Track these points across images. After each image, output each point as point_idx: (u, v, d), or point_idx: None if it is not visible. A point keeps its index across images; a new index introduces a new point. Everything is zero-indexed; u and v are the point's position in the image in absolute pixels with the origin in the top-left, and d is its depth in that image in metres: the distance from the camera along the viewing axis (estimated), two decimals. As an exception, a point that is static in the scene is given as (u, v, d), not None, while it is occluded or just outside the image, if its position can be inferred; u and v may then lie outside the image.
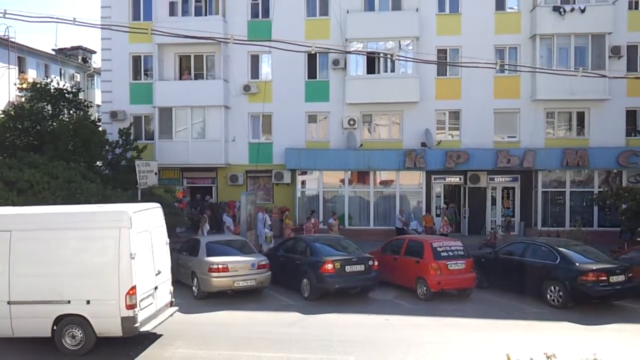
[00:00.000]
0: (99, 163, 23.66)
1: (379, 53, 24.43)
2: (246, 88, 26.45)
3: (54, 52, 38.46)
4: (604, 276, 13.66)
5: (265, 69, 26.92)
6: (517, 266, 15.33)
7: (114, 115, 26.84)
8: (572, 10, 24.58)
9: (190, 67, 27.28)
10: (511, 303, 14.64)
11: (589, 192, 25.42)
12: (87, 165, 21.48)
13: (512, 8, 26.08)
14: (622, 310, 13.97)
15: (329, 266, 14.51)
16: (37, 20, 10.16)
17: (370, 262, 15.10)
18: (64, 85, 26.96)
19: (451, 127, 26.41)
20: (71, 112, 25.29)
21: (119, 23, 19.18)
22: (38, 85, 24.75)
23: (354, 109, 26.08)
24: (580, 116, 25.96)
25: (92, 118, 26.52)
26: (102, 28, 22.23)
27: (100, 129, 25.02)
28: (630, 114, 25.76)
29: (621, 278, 13.92)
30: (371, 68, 25.87)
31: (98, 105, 33.89)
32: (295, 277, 15.40)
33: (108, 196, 18.22)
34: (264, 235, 21.23)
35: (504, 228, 23.94)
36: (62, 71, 38.00)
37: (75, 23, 10.58)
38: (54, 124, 23.77)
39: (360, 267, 14.91)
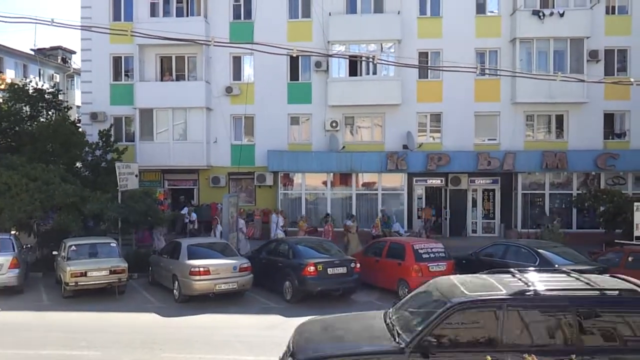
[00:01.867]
0: (78, 165, 23.39)
1: (360, 56, 24.51)
2: (228, 90, 26.36)
3: (32, 52, 37.94)
4: (582, 278, 13.82)
5: (247, 71, 26.87)
6: (498, 268, 15.40)
7: (94, 116, 26.57)
8: (552, 14, 24.91)
9: (172, 68, 27.11)
10: (492, 304, 14.73)
11: (568, 194, 25.76)
12: (67, 167, 21.22)
13: (492, 12, 26.36)
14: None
15: (311, 269, 14.51)
16: (14, 21, 10.00)
17: (353, 265, 15.13)
18: (43, 85, 26.64)
19: (432, 129, 26.59)
20: (50, 113, 24.97)
21: (98, 24, 19.00)
22: (16, 86, 24.38)
23: (337, 111, 26.14)
24: (559, 119, 26.32)
25: (72, 119, 26.23)
26: (81, 29, 21.94)
27: (80, 130, 24.73)
28: (608, 117, 26.18)
29: (599, 279, 14.09)
30: (353, 70, 25.96)
31: (78, 106, 33.52)
32: (278, 279, 15.38)
33: (86, 198, 18.03)
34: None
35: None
36: (41, 71, 37.53)
37: (54, 24, 10.44)
38: (33, 125, 23.45)
39: (342, 270, 14.94)
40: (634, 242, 16.83)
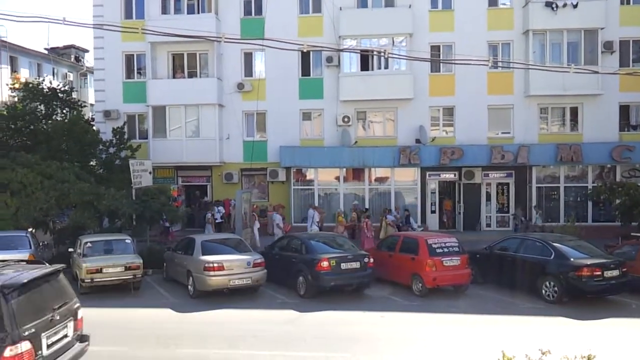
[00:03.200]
0: (92, 163, 23.58)
1: (372, 51, 24.41)
2: (240, 86, 26.40)
3: (46, 52, 38.26)
4: (598, 271, 13.71)
5: (258, 67, 26.89)
6: (512, 262, 15.36)
7: (107, 114, 26.75)
8: (565, 5, 24.64)
9: (184, 66, 27.20)
10: (506, 298, 14.69)
11: (583, 188, 25.52)
12: (81, 165, 21.42)
13: (504, 4, 26.12)
14: (616, 305, 14.03)
15: (325, 264, 14.51)
16: (27, 20, 10.09)
17: (366, 259, 15.11)
18: (57, 84, 26.85)
19: (445, 123, 26.45)
20: (64, 111, 25.20)
21: (110, 22, 19.09)
22: (31, 85, 24.64)
23: (348, 106, 26.08)
24: (574, 111, 26.05)
25: (86, 117, 26.43)
26: (92, 27, 22.13)
27: (93, 128, 24.94)
28: (624, 109, 25.87)
29: (615, 273, 13.98)
30: (365, 65, 25.86)
31: (91, 105, 33.76)
32: (291, 275, 15.39)
33: (101, 195, 18.18)
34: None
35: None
36: (55, 70, 37.83)
37: (65, 23, 10.52)
38: (48, 123, 23.67)
39: (355, 265, 14.92)
40: (650, 235, 16.64)
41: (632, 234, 17.76)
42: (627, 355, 9.97)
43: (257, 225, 21.10)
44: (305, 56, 26.13)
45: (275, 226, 21.60)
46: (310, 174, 26.48)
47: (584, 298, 13.92)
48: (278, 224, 21.58)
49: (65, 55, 40.36)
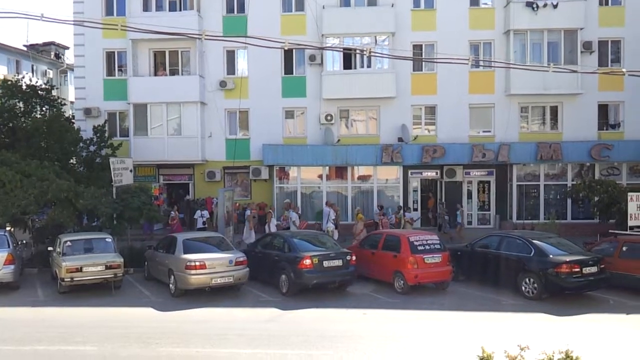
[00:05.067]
0: (73, 161, 23.31)
1: (354, 49, 24.46)
2: (222, 84, 26.28)
3: (25, 48, 37.71)
4: (577, 268, 13.92)
5: (241, 65, 26.77)
6: (493, 259, 15.52)
7: (87, 111, 26.45)
8: (545, 5, 24.90)
9: (165, 63, 26.98)
10: (487, 295, 14.84)
11: (563, 185, 25.83)
12: (61, 163, 21.14)
13: (486, 4, 26.32)
14: (594, 301, 14.25)
15: (307, 262, 14.53)
16: (4, 17, 9.94)
17: (348, 257, 15.16)
18: (37, 81, 26.48)
19: (427, 122, 26.60)
20: (44, 109, 24.85)
21: (91, 19, 18.94)
22: (9, 82, 24.21)
23: (331, 105, 26.11)
24: (554, 110, 26.36)
25: (66, 115, 26.10)
26: (72, 24, 21.83)
27: (74, 126, 24.63)
28: (602, 108, 26.24)
29: (594, 269, 14.20)
30: (348, 63, 25.90)
31: (72, 102, 33.35)
32: (274, 273, 15.40)
33: (80, 193, 17.97)
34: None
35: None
36: (34, 67, 37.33)
37: (44, 19, 10.37)
38: (27, 121, 23.32)
39: (338, 262, 14.97)
40: (628, 232, 16.90)
41: (610, 231, 18.01)
42: (604, 350, 10.14)
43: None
44: (288, 54, 26.09)
45: (291, 224, 21.61)
46: (293, 172, 26.45)
47: (563, 294, 14.11)
48: (294, 222, 21.59)
49: (45, 52, 39.85)
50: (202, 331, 11.74)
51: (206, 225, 22.49)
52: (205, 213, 23.06)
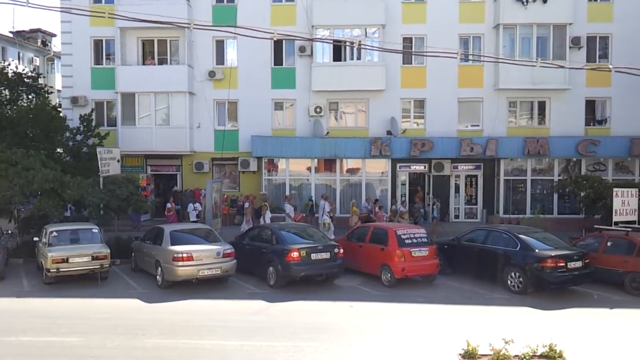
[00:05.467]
0: (59, 150, 23.09)
1: (344, 41, 24.40)
2: (211, 74, 26.13)
3: (11, 35, 37.21)
4: (562, 262, 14.05)
5: (230, 55, 26.64)
6: (479, 253, 15.64)
7: (74, 100, 26.20)
8: (535, 0, 24.96)
9: (154, 52, 26.78)
10: (473, 289, 14.95)
11: (550, 180, 26.03)
12: (47, 153, 20.93)
13: (476, -3, 26.35)
14: (579, 296, 14.41)
15: (295, 254, 14.54)
16: (-11, 3, 9.78)
17: (336, 250, 15.18)
18: (23, 69, 26.16)
19: (416, 115, 26.65)
20: (30, 97, 24.57)
21: (78, 6, 18.66)
22: (-5, 69, 23.92)
23: (321, 97, 26.06)
24: (542, 105, 26.51)
25: (52, 104, 25.82)
26: (58, 10, 21.49)
27: (60, 114, 24.37)
28: (590, 104, 26.43)
29: (579, 264, 14.34)
30: (337, 55, 25.84)
31: (58, 91, 33.03)
32: (261, 265, 15.40)
33: (66, 183, 17.83)
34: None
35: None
36: (21, 55, 36.88)
37: (30, 5, 10.23)
38: (13, 109, 23.05)
39: (325, 255, 14.99)
40: (612, 228, 17.08)
41: (595, 226, 18.19)
42: (587, 344, 10.27)
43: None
44: (277, 45, 25.98)
45: (286, 215, 21.66)
46: (281, 165, 26.42)
47: (548, 289, 14.24)
48: (289, 214, 21.61)
49: (32, 40, 39.36)
50: (189, 323, 11.74)
51: (199, 218, 22.33)
52: (198, 205, 22.96)
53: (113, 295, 14.25)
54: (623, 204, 18.19)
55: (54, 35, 40.83)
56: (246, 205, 22.42)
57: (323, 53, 25.96)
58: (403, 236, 15.32)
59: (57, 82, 35.67)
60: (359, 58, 25.92)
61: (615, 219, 17.84)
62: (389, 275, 15.08)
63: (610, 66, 18.40)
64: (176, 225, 17.73)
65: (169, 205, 23.51)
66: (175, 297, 13.85)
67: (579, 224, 22.31)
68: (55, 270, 14.66)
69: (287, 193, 25.63)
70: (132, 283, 15.64)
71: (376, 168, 26.43)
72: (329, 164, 26.51)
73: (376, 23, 25.50)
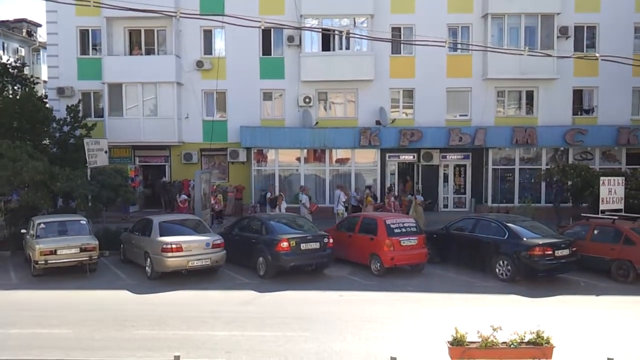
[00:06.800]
0: (46, 141, 22.87)
1: (333, 30, 24.31)
2: (199, 64, 25.95)
3: (-5, 25, 36.69)
4: (549, 250, 14.17)
5: (218, 45, 26.47)
6: (468, 241, 15.73)
7: (61, 91, 25.94)
8: (523, -10, 24.97)
9: (141, 42, 26.53)
10: (462, 277, 15.05)
11: (538, 169, 26.16)
12: (34, 144, 20.74)
13: (465, -13, 26.31)
14: (566, 283, 14.55)
15: (285, 244, 14.55)
16: (-26, -9, 9.62)
17: (326, 240, 15.21)
18: (8, 59, 25.82)
19: (405, 105, 26.66)
20: (15, 87, 24.28)
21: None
22: (-21, 60, 23.61)
23: (310, 87, 25.98)
24: (530, 95, 26.62)
25: (39, 94, 25.53)
26: (43, 0, 21.22)
27: (46, 105, 24.12)
28: (577, 93, 26.58)
29: (566, 252, 14.48)
30: (326, 45, 25.76)
31: (44, 81, 32.66)
32: (251, 255, 15.40)
33: (55, 175, 17.68)
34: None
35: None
36: (5, 45, 36.40)
37: (15, -6, 10.06)
38: (-3, 100, 22.77)
39: (315, 245, 15.01)
40: (599, 216, 17.23)
41: (582, 214, 18.34)
42: (574, 330, 10.39)
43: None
44: (266, 35, 25.84)
45: (301, 206, 21.70)
46: (271, 155, 26.36)
47: (536, 276, 14.36)
48: (305, 204, 21.62)
49: (17, 30, 38.82)
50: (178, 314, 11.73)
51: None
52: (185, 196, 22.62)
53: (102, 287, 14.19)
54: (610, 192, 18.33)
55: (39, 25, 40.32)
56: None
57: (312, 43, 25.85)
58: (392, 225, 15.37)
59: (43, 72, 35.24)
60: (347, 48, 25.86)
61: (602, 207, 17.98)
62: (379, 264, 15.15)
63: (597, 55, 18.47)
64: (165, 217, 17.65)
65: (183, 196, 22.75)
66: (164, 288, 13.82)
67: (566, 213, 22.49)
68: (43, 262, 14.58)
69: (276, 183, 25.62)
70: (121, 274, 15.58)
71: (365, 158, 26.46)
72: (318, 154, 26.49)
73: (365, 13, 25.42)
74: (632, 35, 25.94)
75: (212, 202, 21.80)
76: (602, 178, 18.67)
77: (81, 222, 16.09)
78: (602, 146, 26.03)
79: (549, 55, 21.18)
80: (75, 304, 12.69)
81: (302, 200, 21.92)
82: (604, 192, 18.18)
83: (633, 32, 25.95)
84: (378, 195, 25.30)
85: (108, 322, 11.05)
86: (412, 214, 20.71)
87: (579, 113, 26.69)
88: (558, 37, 25.30)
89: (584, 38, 26.16)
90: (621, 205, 18.24)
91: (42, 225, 15.48)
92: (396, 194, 24.10)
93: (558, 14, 25.19)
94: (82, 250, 14.94)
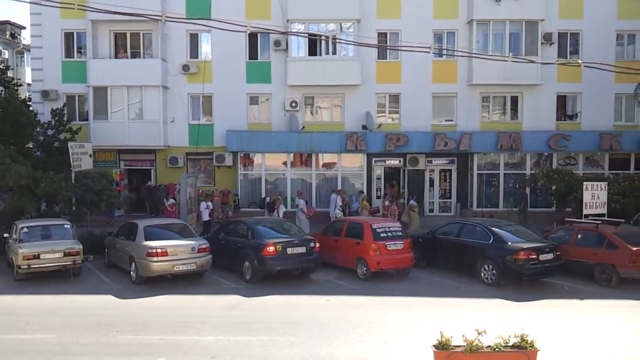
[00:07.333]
0: (30, 145, 22.63)
1: (319, 35, 24.37)
2: (185, 68, 25.86)
3: (-22, 27, 36.28)
4: (534, 255, 14.30)
5: (205, 49, 26.40)
6: (453, 246, 15.83)
7: (45, 94, 25.69)
8: (508, -4, 25.23)
9: (127, 45, 26.37)
10: (447, 282, 15.13)
11: (522, 174, 26.40)
12: (17, 148, 20.50)
13: (450, -7, 26.53)
14: (550, 287, 14.68)
15: (271, 249, 14.53)
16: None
17: (312, 244, 15.21)
18: (-10, 62, 25.53)
19: (391, 110, 26.77)
20: (-2, 90, 24.01)
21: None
22: (-39, 62, 23.33)
23: (296, 91, 26.00)
24: (514, 100, 26.86)
25: (22, 97, 25.26)
26: (26, 2, 20.92)
27: (30, 109, 23.88)
28: (561, 99, 26.87)
29: (550, 256, 14.62)
30: (313, 50, 25.79)
31: (28, 84, 32.30)
32: (237, 260, 15.35)
33: (38, 178, 17.50)
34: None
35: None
36: (-12, 47, 35.96)
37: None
38: (-20, 103, 22.48)
39: (301, 249, 15.01)
40: (583, 220, 17.42)
41: (566, 219, 18.53)
42: (558, 334, 10.49)
43: (282, 209, 21.12)
44: (252, 39, 25.82)
45: (299, 210, 21.69)
46: (257, 159, 26.31)
47: (520, 280, 14.47)
48: (302, 209, 21.60)
49: (0, 32, 38.39)
50: (164, 318, 11.66)
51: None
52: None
53: (86, 291, 14.06)
54: (593, 197, 18.55)
55: (24, 28, 39.93)
56: (268, 198, 22.80)
57: (298, 47, 25.88)
58: (378, 230, 15.42)
59: (27, 75, 34.87)
60: (334, 53, 25.92)
61: (585, 211, 18.20)
62: (365, 268, 15.17)
63: (580, 61, 18.71)
64: (150, 221, 17.53)
65: (171, 200, 22.35)
66: (149, 293, 13.73)
67: (550, 217, 22.68)
68: (26, 266, 14.40)
69: (262, 188, 25.56)
70: (106, 279, 15.45)
71: (352, 163, 26.52)
72: (304, 159, 26.49)
73: (351, 18, 25.53)
74: (614, 42, 26.34)
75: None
76: (585, 183, 18.90)
77: (65, 226, 15.93)
78: (586, 151, 26.34)
79: (533, 62, 21.46)
80: (59, 308, 12.56)
81: (299, 205, 21.96)
82: (587, 197, 18.40)
83: (615, 39, 26.35)
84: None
85: (92, 327, 10.94)
86: (405, 218, 20.84)
87: (563, 118, 26.98)
88: (542, 43, 25.59)
89: (568, 44, 26.48)
90: (604, 210, 18.47)
91: (25, 230, 15.30)
92: (391, 198, 24.08)
93: (542, 20, 25.48)
94: (66, 254, 14.78)
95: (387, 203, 22.46)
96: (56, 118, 23.01)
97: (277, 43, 25.67)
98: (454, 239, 16.00)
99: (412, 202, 23.01)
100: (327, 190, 25.91)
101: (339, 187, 25.62)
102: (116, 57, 26.28)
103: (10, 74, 25.06)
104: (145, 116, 25.69)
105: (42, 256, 14.54)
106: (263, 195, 25.06)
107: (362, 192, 24.86)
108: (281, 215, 20.33)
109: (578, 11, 26.18)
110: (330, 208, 22.63)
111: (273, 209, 21.29)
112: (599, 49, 25.14)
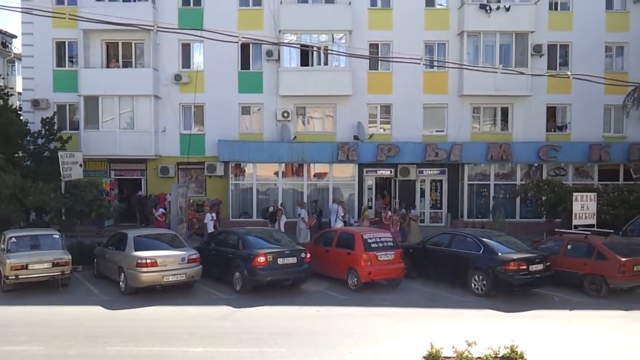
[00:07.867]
0: (19, 154, 22.50)
1: (311, 46, 24.48)
2: (177, 77, 25.86)
3: (-31, 36, 36.14)
4: (524, 265, 14.35)
5: (197, 58, 26.43)
6: (444, 256, 15.86)
7: (36, 103, 25.60)
8: (498, 8, 25.46)
9: (119, 55, 26.36)
10: (438, 292, 15.14)
11: (512, 185, 26.50)
12: (7, 157, 20.39)
13: (441, 5, 26.74)
14: (540, 298, 14.72)
15: (261, 259, 14.49)
16: (-53, 2, 9.51)
17: (303, 255, 15.18)
18: (-19, 71, 25.41)
19: (382, 120, 26.87)
20: (-11, 99, 23.84)
21: (40, 7, 18.27)
22: (-49, 71, 23.21)
23: (288, 101, 26.05)
24: (505, 112, 27.04)
25: (13, 106, 25.14)
26: (18, 11, 20.94)
27: (21, 118, 23.78)
28: (550, 110, 27.07)
29: (540, 267, 14.68)
30: (305, 60, 25.89)
31: (19, 93, 32.17)
32: (227, 270, 15.28)
33: (27, 188, 17.39)
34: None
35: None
36: (-21, 56, 35.81)
37: (-10, 6, 9.97)
38: (-31, 111, 22.34)
39: (292, 260, 14.97)
40: (572, 231, 17.50)
41: (556, 229, 18.61)
42: (548, 345, 10.50)
43: (283, 219, 21.16)
44: (245, 49, 25.88)
45: (300, 220, 21.70)
46: (249, 169, 26.28)
47: (510, 291, 14.51)
48: (303, 218, 21.61)
49: (-9, 40, 38.28)
50: (153, 330, 11.57)
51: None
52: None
53: (74, 302, 13.93)
54: (582, 207, 18.69)
55: (15, 37, 39.80)
56: (270, 208, 22.87)
57: (290, 58, 25.98)
58: (369, 240, 15.41)
59: (18, 84, 34.74)
60: (326, 63, 26.02)
61: (574, 222, 18.29)
62: (356, 279, 15.15)
63: (569, 73, 18.89)
64: (140, 231, 17.44)
65: (161, 210, 22.14)
66: (139, 304, 13.63)
67: (540, 228, 22.77)
68: (14, 277, 14.27)
69: (253, 198, 25.51)
70: (95, 290, 15.33)
71: (343, 173, 26.53)
72: (296, 169, 26.48)
73: (343, 29, 25.66)
74: (603, 54, 26.63)
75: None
76: (575, 194, 19.03)
77: (54, 236, 15.81)
78: (575, 162, 26.51)
79: (523, 73, 21.64)
80: (47, 319, 12.43)
81: (300, 215, 21.98)
82: (576, 207, 18.52)
83: (604, 51, 26.64)
84: (355, 211, 25.34)
85: (80, 338, 10.84)
86: (407, 229, 20.91)
87: (553, 130, 27.17)
88: (532, 55, 25.82)
89: (557, 56, 26.74)
90: (593, 221, 18.59)
91: (14, 240, 15.17)
92: (390, 208, 24.04)
93: (532, 32, 25.72)
94: (55, 265, 14.65)
95: (389, 214, 22.42)
96: (46, 127, 22.94)
97: (269, 53, 25.75)
98: (444, 249, 16.02)
99: (412, 212, 23.09)
100: (320, 200, 25.80)
101: (335, 198, 25.51)
102: (108, 66, 26.24)
103: (1, 82, 24.94)
104: (136, 126, 25.63)
105: (30, 266, 14.42)
106: (263, 206, 25.24)
107: (366, 207, 24.92)
108: (282, 225, 20.28)
109: (567, 23, 26.47)
110: (331, 218, 22.64)
111: (275, 219, 21.26)
112: (588, 61, 25.44)
